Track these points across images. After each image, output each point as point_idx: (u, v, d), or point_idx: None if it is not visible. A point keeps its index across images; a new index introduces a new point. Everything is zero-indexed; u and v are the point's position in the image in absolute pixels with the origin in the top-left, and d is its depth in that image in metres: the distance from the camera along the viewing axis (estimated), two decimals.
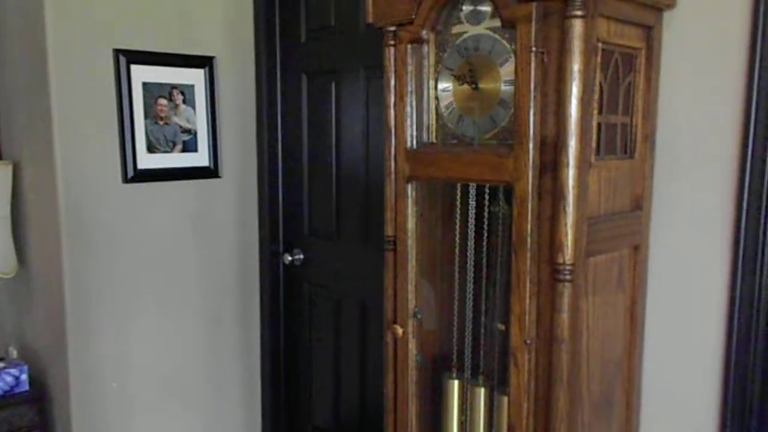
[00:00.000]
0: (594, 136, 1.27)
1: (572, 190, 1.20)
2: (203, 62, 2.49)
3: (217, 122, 2.55)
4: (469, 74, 1.42)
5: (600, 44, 1.25)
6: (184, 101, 2.45)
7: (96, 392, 2.37)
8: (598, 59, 1.26)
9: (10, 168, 2.50)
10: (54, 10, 2.15)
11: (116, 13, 2.27)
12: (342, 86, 2.40)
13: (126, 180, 2.34)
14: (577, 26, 1.17)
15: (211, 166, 2.56)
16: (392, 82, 1.55)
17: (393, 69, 1.54)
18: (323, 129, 2.50)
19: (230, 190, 2.63)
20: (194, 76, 2.47)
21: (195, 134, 2.50)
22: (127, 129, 2.31)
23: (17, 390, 2.42)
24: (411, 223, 1.55)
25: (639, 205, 1.48)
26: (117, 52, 2.28)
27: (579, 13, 1.16)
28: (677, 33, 1.46)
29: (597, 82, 1.26)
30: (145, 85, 2.35)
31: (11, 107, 2.53)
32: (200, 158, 2.53)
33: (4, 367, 2.42)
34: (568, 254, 1.22)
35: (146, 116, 2.36)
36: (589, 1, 1.17)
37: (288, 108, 2.63)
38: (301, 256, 2.66)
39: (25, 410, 2.39)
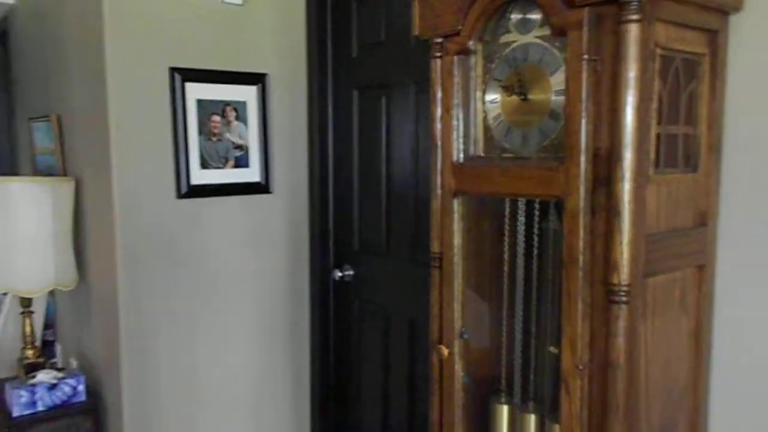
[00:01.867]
0: (652, 148, 1.19)
1: (628, 206, 1.13)
2: (256, 79, 2.51)
3: (269, 138, 2.57)
4: (517, 85, 1.36)
5: (658, 50, 1.18)
6: (236, 117, 2.48)
7: (149, 405, 2.39)
8: (657, 66, 1.18)
9: (72, 184, 2.58)
10: (113, 30, 2.21)
11: (172, 32, 2.32)
12: (392, 101, 2.37)
13: (180, 195, 2.37)
14: (633, 31, 1.10)
15: (263, 182, 2.57)
16: (438, 95, 1.51)
17: (439, 81, 1.50)
18: (374, 144, 2.47)
19: (281, 205, 2.64)
20: (247, 93, 2.50)
21: (247, 150, 2.52)
22: (181, 145, 2.35)
23: (74, 400, 2.47)
24: (458, 240, 1.50)
25: (703, 221, 1.37)
26: (173, 71, 2.32)
27: (635, 17, 1.09)
28: (745, 37, 1.36)
29: (655, 90, 1.18)
30: (199, 102, 2.39)
31: (75, 125, 2.62)
32: (252, 174, 2.54)
33: (63, 378, 2.48)
34: (623, 274, 1.14)
35: (200, 132, 2.40)
36: (645, 5, 1.10)
37: (339, 123, 2.63)
38: (352, 272, 2.63)
39: (81, 420, 2.44)
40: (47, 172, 2.99)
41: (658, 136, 1.22)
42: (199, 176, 2.41)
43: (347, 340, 2.69)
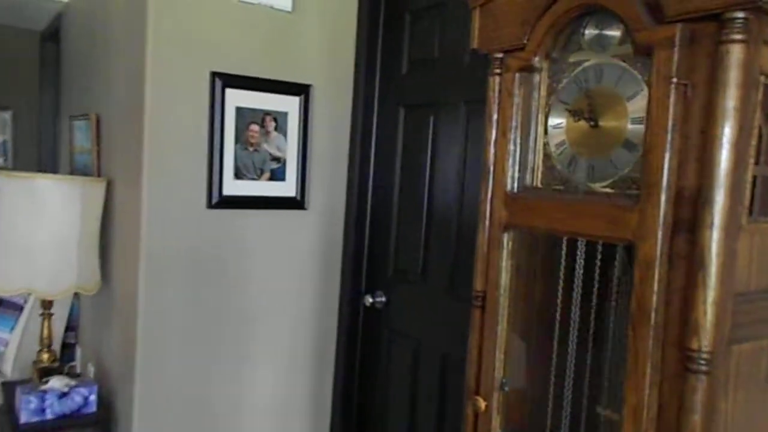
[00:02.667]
0: (747, 192, 1.01)
1: (716, 258, 0.95)
2: (300, 90, 2.40)
3: (308, 152, 2.45)
4: (587, 109, 1.20)
5: (762, 78, 1.00)
6: (276, 128, 2.37)
7: (161, 422, 2.27)
8: (759, 97, 1.00)
9: (104, 185, 2.50)
10: (156, 30, 2.13)
11: (215, 36, 2.23)
12: (440, 121, 2.23)
13: (210, 205, 2.26)
14: (735, 53, 0.93)
15: (298, 197, 2.45)
16: (495, 116, 1.36)
17: (497, 100, 1.35)
18: (417, 165, 2.33)
19: (315, 223, 2.51)
20: (289, 104, 2.39)
21: (284, 163, 2.40)
22: (216, 153, 2.25)
23: (85, 410, 2.36)
24: (505, 278, 1.33)
25: None
26: (213, 75, 2.23)
27: (739, 37, 0.93)
28: None
29: (756, 124, 1.00)
30: (239, 110, 2.29)
31: (113, 125, 2.55)
32: (287, 188, 2.42)
33: (76, 386, 2.37)
34: (705, 339, 0.95)
35: (236, 141, 2.29)
36: (752, 23, 0.93)
37: (382, 142, 2.49)
38: (383, 299, 2.48)
39: None
40: (83, 172, 2.93)
41: (754, 178, 1.04)
42: (232, 186, 2.30)
43: (374, 371, 2.53)
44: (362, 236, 2.55)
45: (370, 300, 2.48)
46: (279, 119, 2.37)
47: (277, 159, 2.39)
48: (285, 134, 2.39)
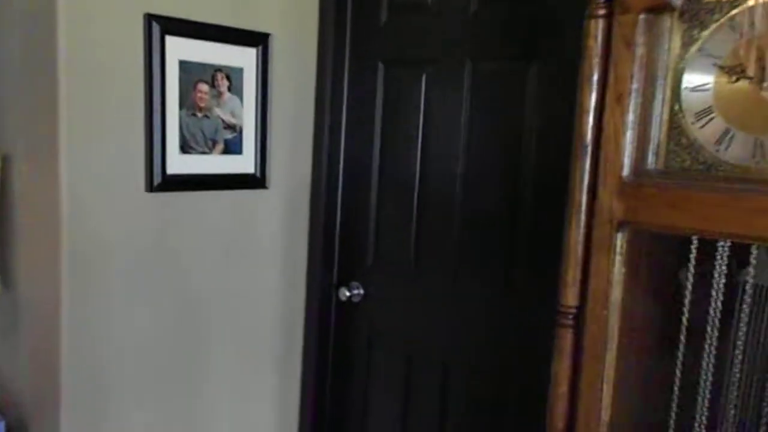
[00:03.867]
0: None
1: None
2: (257, 40, 1.93)
3: (269, 118, 1.99)
4: (756, 64, 0.87)
5: None
6: (229, 88, 1.90)
7: None
8: None
9: None
10: None
11: None
12: (436, 82, 1.86)
13: (151, 188, 1.77)
14: None
15: (258, 174, 2.00)
16: (595, 75, 1.01)
17: (599, 53, 1.00)
18: (405, 135, 1.95)
19: (278, 204, 2.07)
20: (244, 57, 1.91)
21: (240, 132, 1.94)
22: (156, 121, 1.75)
23: None
24: (617, 293, 1.01)
25: None
26: (149, 18, 1.71)
27: None
28: None
29: None
30: (183, 65, 1.79)
31: (4, 83, 1.96)
32: (245, 163, 1.97)
33: None
34: None
35: (181, 105, 1.80)
36: None
37: (357, 105, 2.08)
38: (361, 292, 2.11)
39: None
40: None
41: None
42: (178, 163, 1.82)
43: (351, 380, 2.16)
44: (333, 218, 2.14)
45: (346, 293, 2.10)
46: (233, 77, 1.90)
47: (231, 127, 1.92)
48: (240, 96, 1.93)
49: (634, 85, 0.96)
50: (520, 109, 1.66)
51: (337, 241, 2.15)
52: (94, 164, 1.69)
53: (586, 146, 1.02)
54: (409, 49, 1.92)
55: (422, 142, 1.90)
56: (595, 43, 1.00)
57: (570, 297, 1.05)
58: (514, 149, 1.68)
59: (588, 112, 1.02)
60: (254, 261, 2.05)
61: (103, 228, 1.73)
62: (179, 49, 1.78)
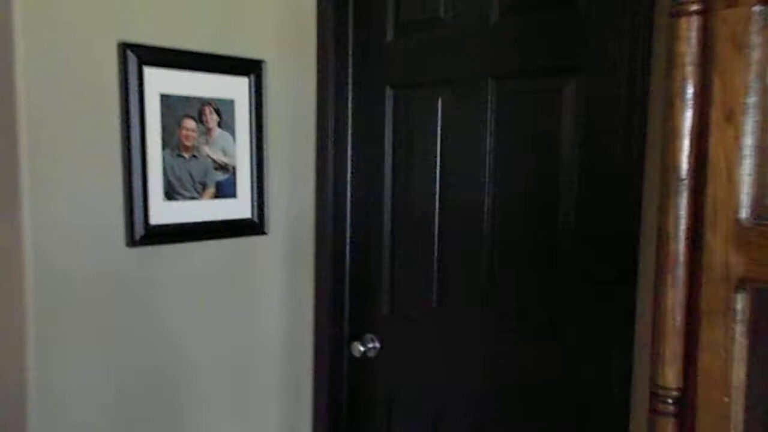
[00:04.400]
0: None
1: None
2: (248, 68, 1.71)
3: (265, 155, 1.76)
4: None
5: None
6: (219, 124, 1.66)
7: None
8: None
9: None
10: None
11: None
12: (454, 106, 1.63)
13: (133, 242, 1.53)
14: None
15: (255, 219, 1.76)
16: (689, 88, 0.78)
17: (694, 60, 0.77)
18: (420, 166, 1.72)
19: (279, 251, 1.83)
20: (235, 88, 1.69)
21: (233, 172, 1.70)
22: (136, 164, 1.51)
23: None
24: (739, 372, 0.76)
25: None
26: (124, 48, 1.49)
27: None
28: None
29: None
30: (165, 99, 1.56)
31: None
32: (240, 207, 1.73)
33: None
34: None
35: (165, 145, 1.57)
36: None
37: (364, 135, 1.85)
38: (377, 345, 1.86)
39: None
40: None
41: None
42: (163, 211, 1.58)
43: None
44: (342, 263, 1.90)
45: (360, 348, 1.85)
46: (223, 110, 1.67)
47: (223, 167, 1.68)
48: (232, 131, 1.69)
49: (751, 99, 0.73)
50: (556, 131, 1.43)
51: (347, 289, 1.91)
52: (64, 216, 1.45)
53: (682, 180, 0.79)
54: (420, 70, 1.70)
55: (441, 173, 1.67)
56: (688, 48, 0.77)
57: (670, 377, 0.81)
58: (550, 177, 1.45)
59: (682, 136, 0.79)
60: (253, 317, 1.79)
61: (78, 291, 1.48)
62: (160, 81, 1.55)
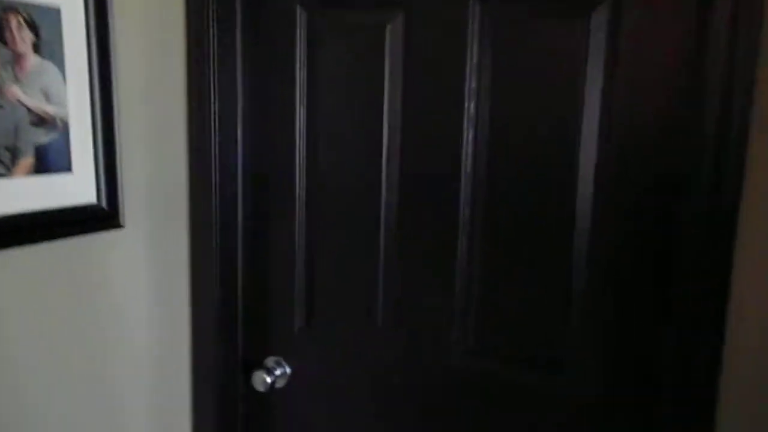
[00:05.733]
0: None
1: None
2: None
3: (115, 102, 1.10)
4: None
5: None
6: (37, 48, 0.98)
7: None
8: None
9: None
10: None
11: None
12: (410, 37, 1.14)
13: None
14: None
15: (103, 204, 1.11)
16: None
17: None
18: (355, 122, 1.21)
19: (141, 251, 1.20)
20: None
21: (65, 130, 1.03)
22: None
23: None
24: None
25: None
26: None
27: None
28: None
29: None
30: None
31: None
32: (77, 187, 1.07)
33: None
34: None
35: None
36: None
37: (263, 75, 1.27)
38: (287, 371, 1.34)
39: None
40: None
41: None
42: None
43: None
44: (231, 260, 1.32)
45: (265, 378, 1.32)
46: (42, 25, 0.98)
47: (47, 121, 1.01)
48: (60, 61, 1.02)
49: None
50: (573, 79, 1.03)
51: (240, 297, 1.34)
52: None
53: None
54: None
55: (390, 133, 1.18)
56: None
57: None
58: (572, 149, 1.05)
59: None
60: (98, 351, 1.16)
61: None
62: None
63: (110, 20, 1.06)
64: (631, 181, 1.00)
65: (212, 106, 1.24)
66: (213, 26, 1.22)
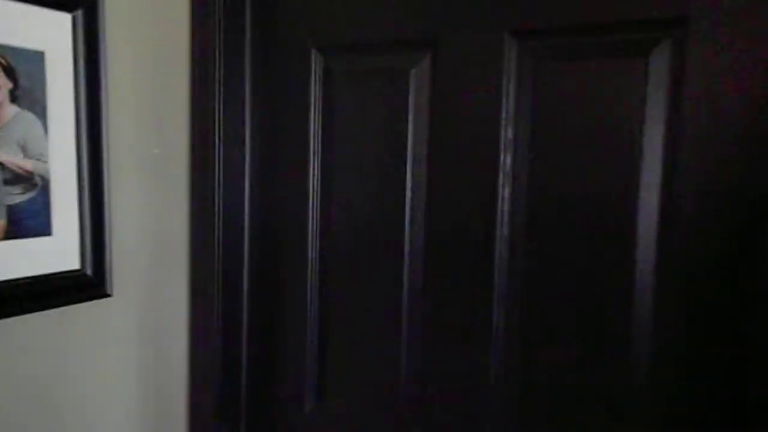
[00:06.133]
0: None
1: None
2: None
3: (104, 156, 0.98)
4: None
5: None
6: (14, 97, 0.87)
7: None
8: None
9: None
10: None
11: None
12: (439, 80, 1.01)
13: None
14: None
15: (88, 271, 0.98)
16: None
17: None
18: (374, 171, 1.07)
19: (130, 323, 1.06)
20: (46, 31, 0.90)
21: (45, 188, 0.91)
22: None
23: None
24: None
25: None
26: None
27: None
28: None
29: None
30: None
31: None
32: (58, 252, 0.94)
33: None
34: None
35: None
36: None
37: (274, 121, 1.15)
38: None
39: None
40: None
41: None
42: None
43: None
44: (235, 334, 1.18)
45: None
46: (22, 71, 0.87)
47: (24, 179, 0.89)
48: (42, 112, 0.90)
49: None
50: (629, 127, 0.88)
51: (245, 375, 1.19)
52: None
53: None
54: (374, 21, 1.05)
55: (428, 184, 1.04)
56: None
57: None
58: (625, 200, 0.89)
59: None
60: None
61: None
62: None
63: (102, 66, 0.95)
64: (701, 250, 0.84)
65: (217, 155, 1.12)
66: (219, 69, 1.10)
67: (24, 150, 0.88)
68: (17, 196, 0.87)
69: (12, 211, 0.87)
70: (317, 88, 1.11)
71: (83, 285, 0.96)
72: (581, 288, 0.92)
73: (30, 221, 0.89)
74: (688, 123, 0.83)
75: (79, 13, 0.93)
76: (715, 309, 0.83)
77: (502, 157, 0.96)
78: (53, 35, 0.90)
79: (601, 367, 0.91)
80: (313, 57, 1.11)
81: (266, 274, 1.17)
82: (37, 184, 0.90)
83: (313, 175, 1.13)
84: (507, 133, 0.95)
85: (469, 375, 1.02)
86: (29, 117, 0.88)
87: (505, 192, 0.96)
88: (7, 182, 0.86)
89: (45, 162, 0.90)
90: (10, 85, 0.85)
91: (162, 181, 1.08)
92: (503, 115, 0.95)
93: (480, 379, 1.00)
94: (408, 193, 1.04)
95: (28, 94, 0.88)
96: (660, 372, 0.87)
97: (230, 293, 1.15)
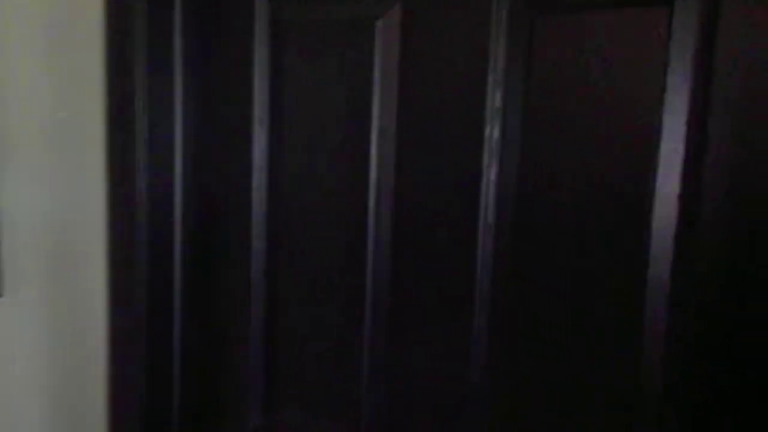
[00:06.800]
0: None
1: None
2: None
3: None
4: None
5: None
6: None
7: None
8: None
9: None
10: None
11: None
12: (409, 36, 0.83)
13: None
14: None
15: None
16: None
17: None
18: (329, 147, 0.90)
19: (26, 328, 0.86)
20: None
21: None
22: None
23: None
24: None
25: None
26: None
27: None
28: None
29: None
30: None
31: None
32: None
33: None
34: None
35: None
36: None
37: (209, 84, 0.96)
38: None
39: None
40: None
41: None
42: None
43: None
44: (167, 330, 0.99)
45: None
46: None
47: None
48: None
49: None
50: (645, 95, 0.72)
51: (176, 386, 1.01)
52: None
53: None
54: None
55: (379, 157, 0.86)
56: None
57: None
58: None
59: None
60: None
61: None
62: None
63: None
64: (726, 247, 0.69)
65: (140, 124, 0.92)
66: (142, 16, 0.90)
67: None
68: None
69: None
70: (263, 42, 0.92)
71: None
72: (581, 288, 0.76)
73: None
74: (719, 93, 0.68)
75: None
76: (742, 340, 0.69)
77: (488, 129, 0.79)
78: None
79: (601, 366, 0.77)
80: (257, 4, 0.92)
81: (202, 266, 0.99)
82: None
83: (259, 149, 0.94)
84: (494, 99, 0.78)
85: (443, 385, 0.86)
86: None
87: (490, 172, 0.79)
88: None
89: None
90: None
91: (70, 156, 0.88)
92: (490, 77, 0.78)
93: (457, 389, 0.85)
94: (373, 172, 0.87)
95: None
96: (670, 372, 0.72)
97: (158, 290, 0.96)
